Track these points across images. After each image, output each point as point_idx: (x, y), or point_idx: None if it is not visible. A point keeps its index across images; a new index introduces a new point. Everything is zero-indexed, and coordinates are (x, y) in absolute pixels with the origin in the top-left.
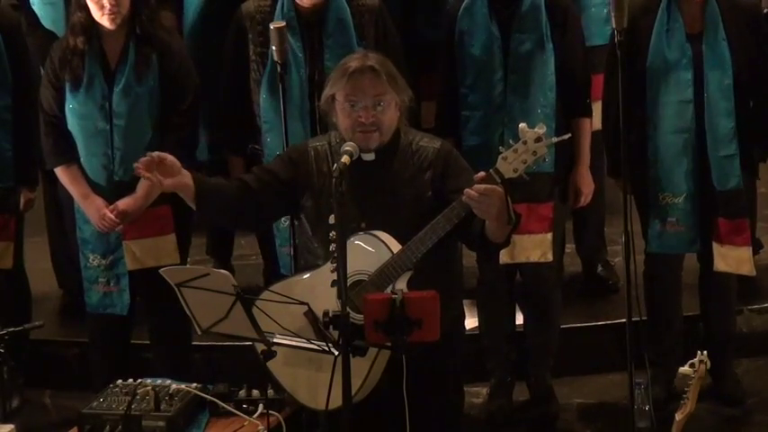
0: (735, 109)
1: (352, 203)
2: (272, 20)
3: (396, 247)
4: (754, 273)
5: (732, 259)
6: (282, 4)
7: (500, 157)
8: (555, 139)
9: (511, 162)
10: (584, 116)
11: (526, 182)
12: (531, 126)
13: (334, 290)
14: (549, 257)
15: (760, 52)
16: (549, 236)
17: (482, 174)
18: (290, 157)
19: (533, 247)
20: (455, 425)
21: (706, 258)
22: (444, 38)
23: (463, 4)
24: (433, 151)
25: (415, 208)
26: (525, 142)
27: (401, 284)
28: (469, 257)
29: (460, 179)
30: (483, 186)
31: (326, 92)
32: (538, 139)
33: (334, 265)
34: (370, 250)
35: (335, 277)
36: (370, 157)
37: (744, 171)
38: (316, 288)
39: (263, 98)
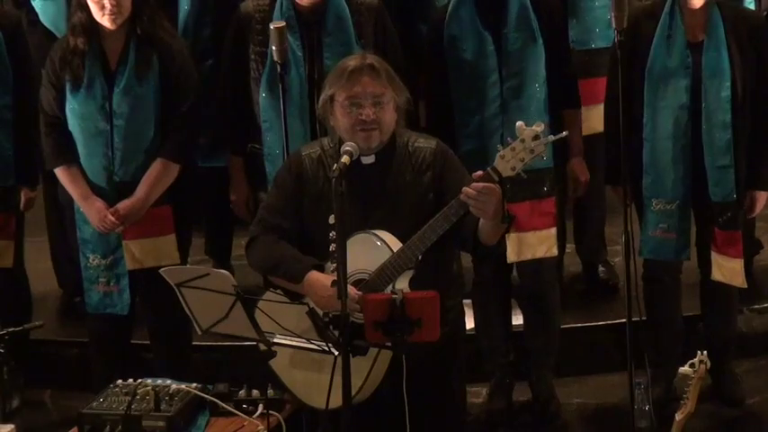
0: (732, 120)
1: (356, 208)
2: (271, 19)
3: (396, 245)
4: (745, 285)
5: (726, 270)
6: (281, 3)
7: (498, 155)
8: (552, 138)
9: (509, 160)
10: (573, 107)
11: (527, 179)
12: (529, 124)
13: (335, 289)
14: (555, 252)
15: (761, 64)
16: (554, 230)
17: (480, 172)
18: (287, 172)
19: (539, 243)
20: (458, 426)
21: (706, 264)
22: (429, 43)
23: (448, 10)
24: (430, 152)
25: (418, 211)
26: (523, 140)
27: (403, 283)
28: (466, 258)
29: (457, 178)
30: (481, 185)
31: (324, 94)
32: (536, 137)
33: (335, 264)
34: (370, 249)
35: (336, 277)
36: (369, 159)
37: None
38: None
39: (262, 97)
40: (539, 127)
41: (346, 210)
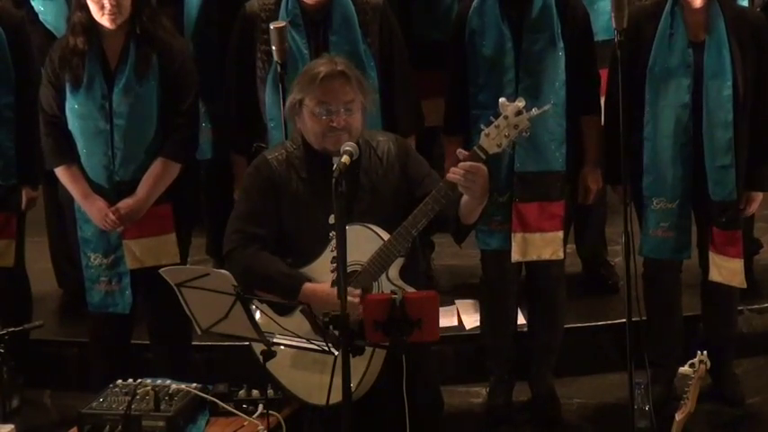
0: (733, 120)
1: None
2: (276, 18)
3: (386, 235)
4: (744, 285)
5: (726, 270)
6: (287, 2)
7: (482, 133)
8: (535, 111)
9: (494, 138)
10: (592, 114)
11: (537, 181)
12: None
13: (334, 290)
14: (561, 255)
15: (763, 64)
16: (561, 234)
17: (465, 153)
18: (256, 178)
19: (545, 245)
20: (436, 408)
21: (707, 264)
22: (452, 37)
23: (473, 4)
24: (392, 145)
25: (396, 202)
26: (506, 117)
27: (394, 272)
28: (469, 257)
29: (420, 167)
30: (468, 164)
31: (293, 97)
32: (518, 113)
33: (333, 265)
34: (361, 240)
35: (334, 276)
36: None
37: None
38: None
39: (268, 96)
40: (521, 102)
41: (342, 207)
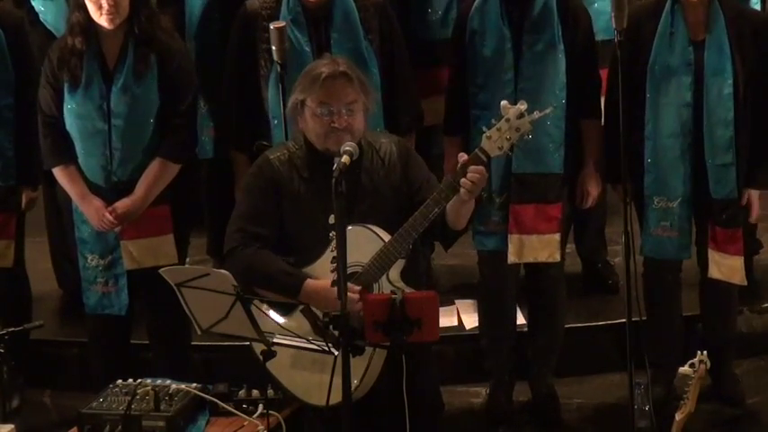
0: (735, 118)
1: None
2: (278, 16)
3: (386, 236)
4: (745, 282)
5: (725, 267)
6: (288, 0)
7: (484, 136)
8: (537, 114)
9: (495, 140)
10: (593, 117)
11: (534, 182)
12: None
13: (334, 288)
14: (557, 257)
15: (762, 64)
16: (558, 236)
17: (464, 155)
18: (258, 178)
19: (542, 248)
20: (434, 420)
21: (706, 263)
22: (453, 37)
23: (474, 4)
24: (394, 146)
25: (396, 203)
26: (508, 120)
27: (394, 273)
28: (470, 257)
29: (421, 170)
30: (481, 168)
31: (294, 98)
32: (520, 116)
33: (333, 265)
34: (362, 241)
35: (335, 276)
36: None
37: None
38: None
39: (271, 94)
40: (522, 105)
41: (342, 207)
